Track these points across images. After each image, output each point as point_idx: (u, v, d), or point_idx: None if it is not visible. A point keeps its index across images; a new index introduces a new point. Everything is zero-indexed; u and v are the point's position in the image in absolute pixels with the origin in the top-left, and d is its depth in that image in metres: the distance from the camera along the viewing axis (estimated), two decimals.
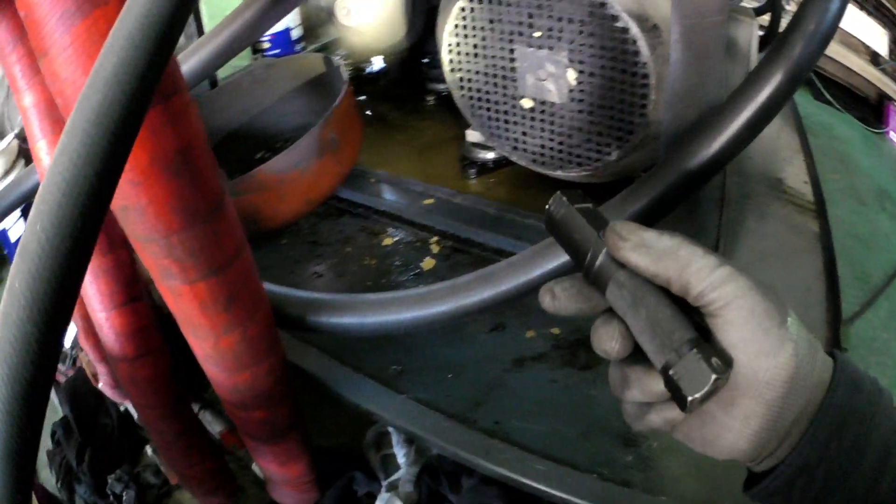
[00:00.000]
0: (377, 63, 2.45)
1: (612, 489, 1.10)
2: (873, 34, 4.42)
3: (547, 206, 0.76)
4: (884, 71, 4.54)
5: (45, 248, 0.53)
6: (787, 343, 0.63)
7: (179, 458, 1.38)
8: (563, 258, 0.97)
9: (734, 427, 0.66)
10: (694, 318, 0.66)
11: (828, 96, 4.45)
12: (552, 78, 1.43)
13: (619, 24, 1.30)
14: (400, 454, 1.35)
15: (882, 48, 4.54)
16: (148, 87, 0.57)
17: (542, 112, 1.49)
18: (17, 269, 0.54)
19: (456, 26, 1.48)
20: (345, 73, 1.79)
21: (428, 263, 1.58)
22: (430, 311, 1.04)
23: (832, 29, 1.02)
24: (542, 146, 1.54)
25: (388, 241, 1.66)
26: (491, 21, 1.44)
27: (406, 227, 1.71)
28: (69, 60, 0.68)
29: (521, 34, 1.42)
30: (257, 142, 2.06)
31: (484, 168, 1.82)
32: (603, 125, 1.43)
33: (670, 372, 0.63)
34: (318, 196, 1.71)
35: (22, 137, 3.56)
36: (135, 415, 1.62)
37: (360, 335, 1.12)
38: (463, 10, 1.44)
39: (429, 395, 1.27)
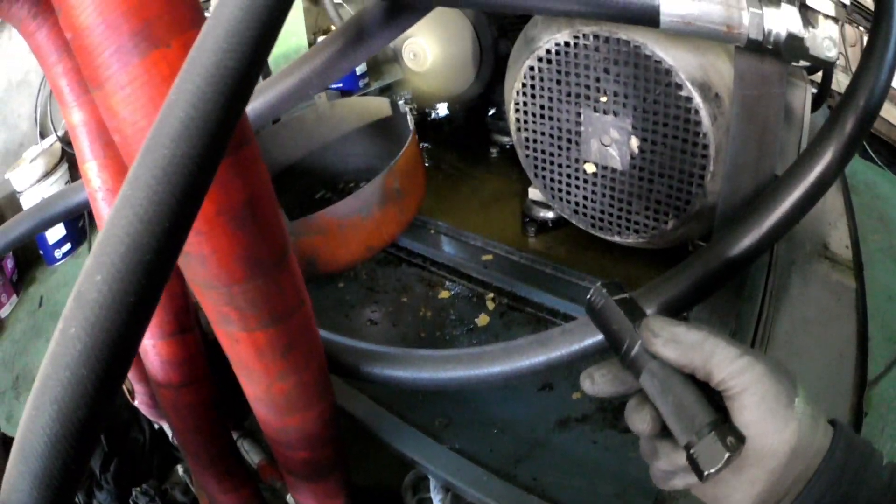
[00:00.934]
0: (441, 109, 2.45)
1: None
2: None
3: (588, 297, 0.85)
4: None
5: (106, 300, 0.53)
6: (792, 423, 0.73)
7: (213, 483, 1.38)
8: None
9: (741, 489, 0.75)
10: (715, 399, 0.75)
11: (871, 153, 4.39)
12: (616, 144, 1.43)
13: (682, 93, 1.30)
14: (436, 499, 1.35)
15: None
16: (219, 146, 0.57)
17: (604, 178, 1.49)
18: (73, 314, 0.53)
19: (524, 85, 1.48)
20: (411, 122, 1.78)
21: (483, 320, 1.59)
22: (483, 371, 1.04)
23: (881, 101, 1.05)
24: (602, 211, 1.54)
25: (444, 294, 1.67)
26: (558, 82, 1.43)
27: (463, 281, 1.71)
28: (128, 100, 0.67)
29: (587, 98, 1.41)
30: (318, 180, 2.06)
31: (544, 226, 1.82)
32: (662, 194, 1.43)
33: (691, 451, 0.72)
34: (379, 243, 1.70)
35: (66, 141, 3.56)
36: (169, 433, 1.61)
37: (413, 389, 1.12)
38: (532, 69, 1.44)
39: (472, 448, 1.29)
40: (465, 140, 2.33)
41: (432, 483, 1.35)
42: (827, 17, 1.04)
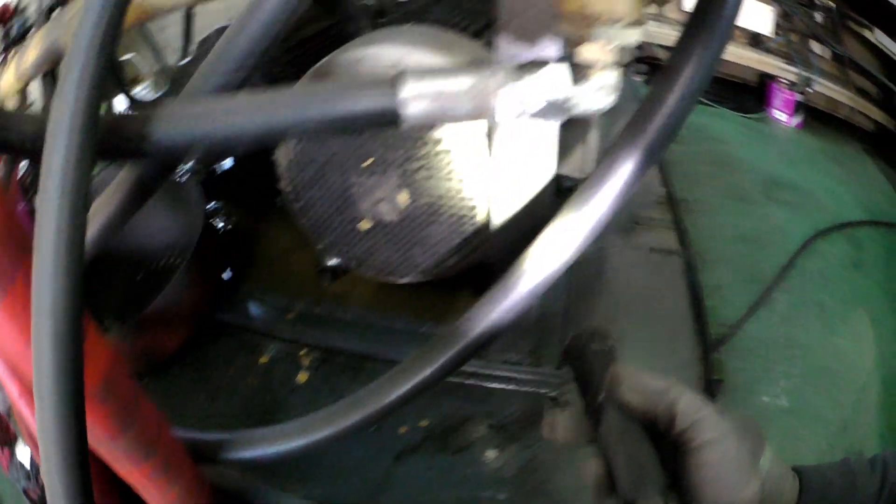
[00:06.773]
0: (227, 161, 2.37)
1: None
2: (755, 14, 3.98)
3: (567, 343, 0.81)
4: (767, 50, 4.12)
5: None
6: (754, 482, 0.66)
7: None
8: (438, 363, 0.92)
9: None
10: (670, 461, 0.70)
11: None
12: (386, 200, 1.44)
13: (443, 147, 1.31)
14: None
15: (766, 27, 4.12)
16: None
17: (381, 232, 1.50)
18: None
19: (291, 161, 1.48)
20: (199, 192, 1.84)
21: (302, 377, 1.58)
22: (318, 435, 1.01)
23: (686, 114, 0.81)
24: (386, 260, 1.54)
25: (264, 359, 1.64)
26: (325, 154, 1.43)
27: (276, 342, 1.68)
28: None
29: (354, 162, 1.41)
30: (132, 264, 1.95)
31: (338, 272, 1.75)
32: (438, 237, 1.44)
33: None
34: (199, 318, 1.70)
35: None
36: None
37: (276, 460, 1.04)
38: (298, 143, 1.44)
39: (326, 494, 1.28)
40: (251, 190, 2.19)
41: None
42: (606, 64, 0.91)
